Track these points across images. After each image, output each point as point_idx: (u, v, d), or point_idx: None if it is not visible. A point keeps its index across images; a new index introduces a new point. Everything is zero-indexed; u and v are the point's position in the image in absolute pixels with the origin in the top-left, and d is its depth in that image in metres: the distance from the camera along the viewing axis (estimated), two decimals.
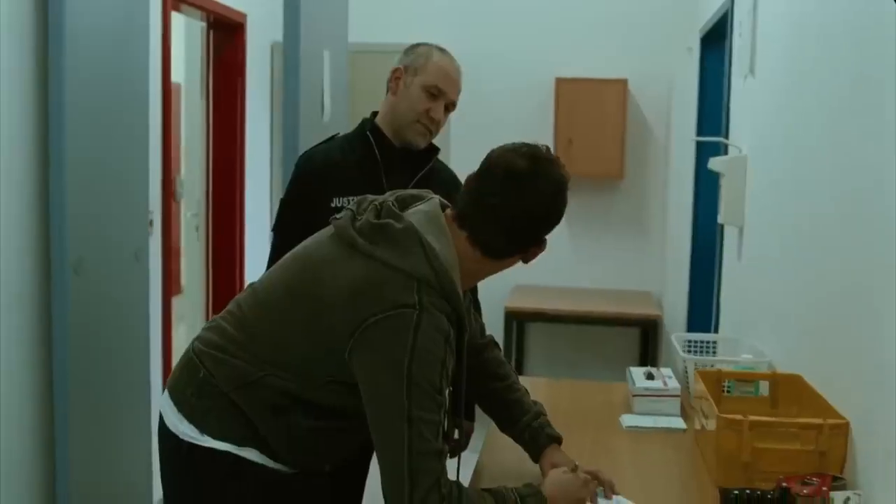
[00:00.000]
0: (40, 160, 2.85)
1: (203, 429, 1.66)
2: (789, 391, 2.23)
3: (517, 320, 5.21)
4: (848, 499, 1.73)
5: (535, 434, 1.95)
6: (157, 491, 3.76)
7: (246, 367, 1.65)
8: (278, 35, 5.07)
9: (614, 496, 1.84)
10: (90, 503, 3.03)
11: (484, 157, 1.72)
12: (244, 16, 4.85)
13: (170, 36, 3.88)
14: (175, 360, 4.05)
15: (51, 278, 2.87)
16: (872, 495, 1.74)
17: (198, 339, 1.75)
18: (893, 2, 1.42)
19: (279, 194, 5.48)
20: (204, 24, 4.84)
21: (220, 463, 1.65)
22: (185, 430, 1.67)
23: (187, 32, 4.97)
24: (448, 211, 1.72)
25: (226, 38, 4.85)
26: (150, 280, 3.53)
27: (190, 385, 1.70)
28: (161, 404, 1.76)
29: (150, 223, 3.61)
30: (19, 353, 2.80)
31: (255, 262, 5.08)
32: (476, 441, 2.28)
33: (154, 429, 3.58)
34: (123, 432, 3.32)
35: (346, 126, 3.65)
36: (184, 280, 5.62)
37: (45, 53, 2.82)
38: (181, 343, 4.73)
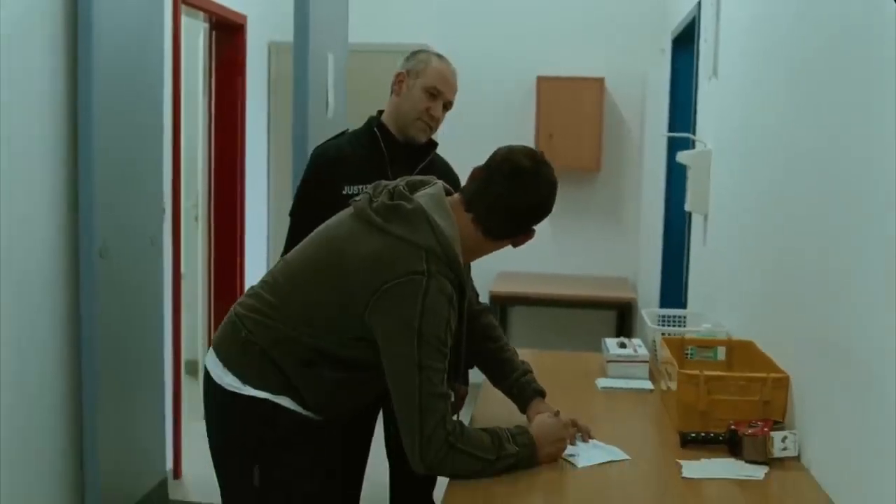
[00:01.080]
0: (70, 155, 3.07)
1: (245, 380, 1.93)
2: (743, 355, 2.51)
3: (501, 305, 5.43)
4: (785, 437, 2.02)
5: (522, 388, 2.24)
6: (169, 461, 4.05)
7: (281, 328, 1.92)
8: (276, 35, 5.32)
9: (590, 439, 2.12)
10: (113, 469, 3.26)
11: (473, 152, 2.01)
12: (244, 17, 5.00)
13: (180, 38, 4.04)
14: (185, 337, 4.31)
15: (79, 262, 3.09)
16: (806, 436, 2.03)
17: (239, 304, 2.03)
18: (894, 2, 1.57)
19: (276, 187, 5.72)
20: (206, 25, 4.98)
21: (259, 408, 1.92)
22: (230, 381, 1.94)
23: (188, 33, 5.10)
24: (456, 196, 2.01)
25: (226, 38, 4.99)
26: (164, 264, 3.79)
27: (234, 343, 1.97)
28: (207, 360, 2.02)
29: (163, 211, 3.85)
30: (50, 332, 3.02)
31: (254, 254, 5.29)
32: (470, 405, 2.52)
33: (167, 401, 3.85)
34: (141, 406, 3.55)
35: (346, 121, 3.90)
36: (183, 267, 5.78)
37: (74, 55, 3.03)
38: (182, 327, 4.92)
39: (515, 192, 1.96)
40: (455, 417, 2.29)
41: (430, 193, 1.97)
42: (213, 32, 5.00)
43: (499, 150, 2.03)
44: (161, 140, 3.69)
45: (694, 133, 3.84)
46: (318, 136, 3.13)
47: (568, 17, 5.71)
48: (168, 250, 3.99)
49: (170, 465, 4.10)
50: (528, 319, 5.88)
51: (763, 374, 2.19)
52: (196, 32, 5.05)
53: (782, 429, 2.06)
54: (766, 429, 2.04)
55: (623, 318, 5.36)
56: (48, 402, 3.04)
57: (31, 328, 2.93)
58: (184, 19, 4.65)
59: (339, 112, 4.00)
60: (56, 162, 3.03)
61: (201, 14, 4.80)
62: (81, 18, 3.01)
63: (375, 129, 2.62)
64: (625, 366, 2.74)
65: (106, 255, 3.17)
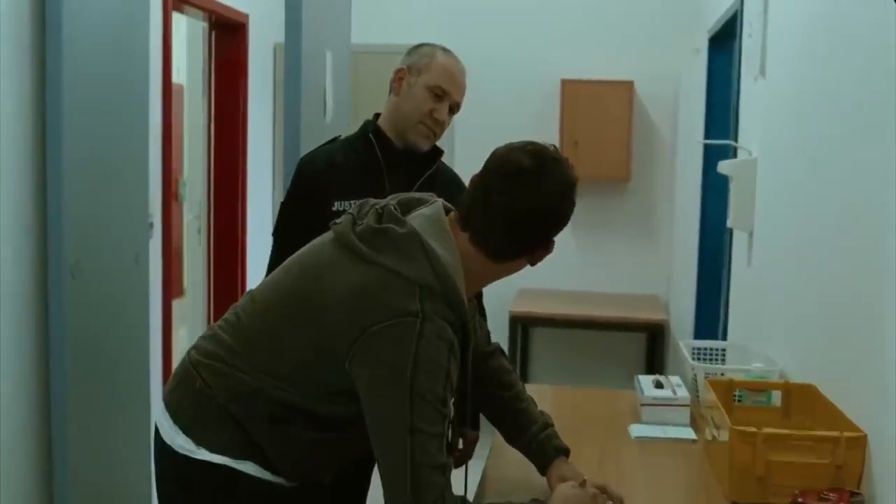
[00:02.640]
0: (37, 161, 2.83)
1: (199, 441, 1.62)
2: (802, 401, 2.19)
3: (522, 325, 5.20)
4: None
5: (542, 446, 1.90)
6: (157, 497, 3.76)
7: (243, 378, 1.61)
8: (281, 35, 5.06)
9: None
10: (90, 500, 3.00)
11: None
12: (246, 16, 4.84)
13: (171, 36, 3.87)
14: (175, 363, 4.04)
15: (48, 282, 2.84)
16: None
17: (194, 348, 1.72)
18: (894, 2, 1.34)
19: (281, 196, 5.44)
20: (206, 25, 4.83)
21: (216, 477, 1.61)
22: (181, 443, 1.64)
23: (189, 33, 4.96)
24: (451, 213, 1.68)
25: (228, 38, 4.84)
26: (149, 283, 3.52)
27: (186, 396, 1.66)
28: (157, 415, 1.72)
29: (151, 225, 3.59)
30: (17, 358, 2.79)
31: (257, 264, 5.05)
32: (482, 450, 2.24)
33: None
34: (122, 436, 3.30)
35: (348, 127, 3.63)
36: (186, 282, 5.60)
37: (42, 53, 2.80)
38: (183, 346, 4.72)
39: (515, 200, 1.61)
40: (464, 468, 1.98)
41: (426, 214, 1.63)
42: (213, 32, 4.85)
43: (496, 149, 1.68)
44: (146, 148, 3.43)
45: (736, 140, 3.56)
46: (315, 141, 2.88)
47: (594, 16, 5.48)
48: (157, 267, 3.72)
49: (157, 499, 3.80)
50: (550, 342, 5.63)
51: (835, 433, 1.85)
52: (196, 32, 4.87)
53: (861, 502, 1.75)
54: (841, 502, 1.71)
55: (654, 341, 5.11)
56: (16, 434, 2.79)
57: None
58: (183, 18, 4.46)
59: (341, 116, 3.76)
60: (23, 172, 2.79)
61: (200, 13, 4.62)
62: (50, 13, 2.78)
63: (371, 134, 2.32)
64: (662, 410, 2.41)
65: (79, 274, 2.91)
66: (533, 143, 1.66)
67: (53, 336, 2.85)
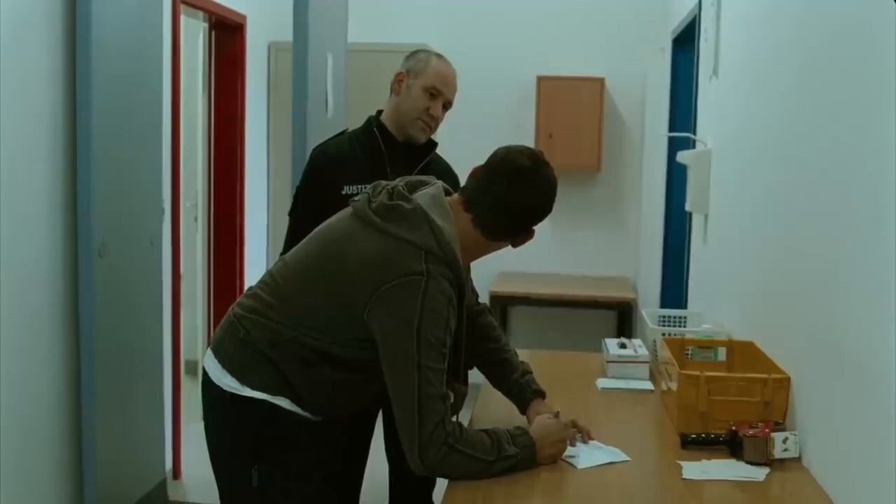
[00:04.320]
0: (68, 152, 3.07)
1: (243, 380, 1.92)
2: (743, 355, 2.50)
3: (502, 304, 5.42)
4: (786, 438, 2.01)
5: (522, 389, 2.23)
6: (169, 461, 4.05)
7: (280, 328, 1.91)
8: (276, 35, 5.31)
9: (591, 440, 2.11)
10: (112, 470, 3.25)
11: (473, 151, 2.01)
12: (244, 17, 5.00)
13: (179, 36, 4.03)
14: (183, 338, 4.30)
15: (78, 261, 3.09)
16: (807, 437, 2.02)
17: (237, 304, 2.02)
18: (894, 1, 1.57)
19: (276, 188, 5.73)
20: (205, 25, 4.98)
21: (257, 409, 1.91)
22: (228, 382, 1.93)
23: (188, 33, 5.10)
24: (456, 196, 2.01)
25: (226, 38, 4.98)
26: (163, 264, 3.78)
27: (232, 344, 1.96)
28: (205, 361, 2.01)
29: (162, 211, 3.84)
30: (49, 332, 3.02)
31: (254, 254, 5.28)
32: (470, 404, 2.46)
33: (167, 401, 3.85)
34: (141, 406, 3.55)
35: (345, 121, 3.90)
36: (182, 267, 5.77)
37: (73, 54, 3.03)
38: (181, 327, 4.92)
39: (516, 193, 1.96)
40: (455, 418, 2.29)
41: (429, 193, 1.97)
42: (213, 32, 5.00)
43: (498, 149, 2.03)
44: (160, 140, 3.68)
45: (694, 133, 3.84)
46: (318, 136, 3.13)
47: (568, 17, 5.71)
48: (167, 250, 3.98)
49: (169, 465, 4.09)
50: (528, 319, 5.87)
51: (764, 375, 2.18)
52: (196, 32, 5.04)
53: (783, 430, 2.06)
54: (766, 430, 2.03)
55: (623, 318, 5.35)
56: (47, 402, 3.03)
57: (31, 328, 2.93)
58: (183, 19, 4.64)
59: (339, 112, 3.99)
60: (55, 162, 3.03)
61: (201, 14, 4.79)
62: (80, 18, 3.01)
63: (375, 128, 2.62)
64: (625, 366, 2.74)
65: (105, 254, 3.17)
66: (528, 148, 2.03)
67: (83, 310, 3.10)
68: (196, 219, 5.31)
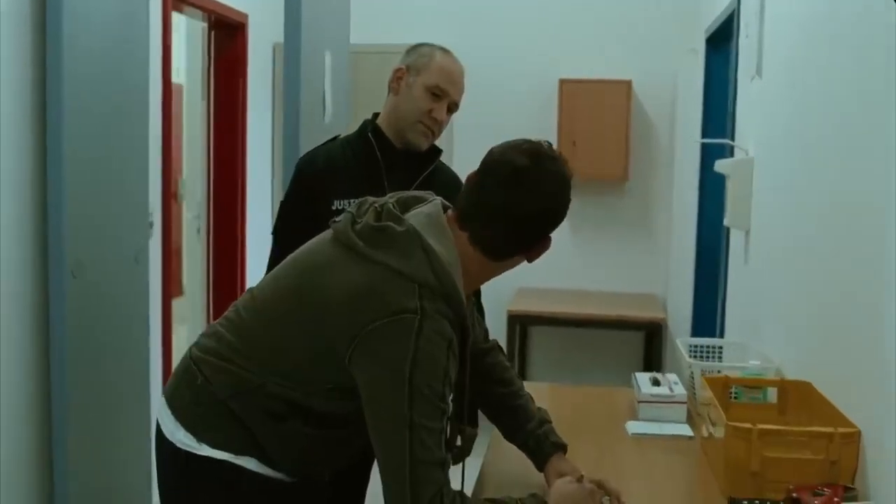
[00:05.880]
0: (38, 161, 2.83)
1: (200, 437, 1.64)
2: (798, 398, 2.20)
3: (520, 324, 5.19)
4: None
5: (539, 442, 1.91)
6: (156, 495, 3.76)
7: (244, 374, 1.62)
8: (280, 35, 5.06)
9: None
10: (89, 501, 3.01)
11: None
12: (245, 16, 4.83)
13: (170, 35, 3.86)
14: (175, 362, 4.03)
15: (48, 281, 2.84)
16: None
17: (195, 345, 1.73)
18: (894, 1, 1.36)
19: (280, 195, 5.45)
20: (205, 25, 4.82)
21: (217, 472, 1.63)
22: (182, 438, 1.65)
23: (188, 33, 4.96)
24: (449, 212, 1.68)
25: (227, 38, 4.83)
26: (149, 282, 3.52)
27: (187, 392, 1.67)
28: (158, 411, 1.73)
29: (150, 225, 3.59)
30: (17, 358, 2.79)
31: (257, 264, 5.05)
32: (480, 446, 2.24)
33: (154, 427, 3.58)
34: (123, 436, 3.30)
35: (347, 127, 3.62)
36: (185, 281, 5.60)
37: (42, 53, 2.80)
38: (182, 345, 4.71)
39: (514, 200, 1.62)
40: (462, 465, 1.98)
41: (424, 212, 1.64)
42: (213, 32, 4.84)
43: (493, 148, 1.69)
44: (146, 147, 3.43)
45: (733, 139, 3.55)
46: (314, 141, 2.88)
47: (592, 16, 5.47)
48: (157, 267, 3.73)
49: (157, 499, 3.81)
50: (549, 340, 5.63)
51: (829, 429, 1.86)
52: (195, 32, 4.86)
53: (855, 498, 1.76)
54: (835, 498, 1.73)
55: (651, 339, 5.10)
56: (16, 434, 2.78)
57: None
58: (182, 18, 4.45)
59: (341, 116, 3.75)
60: (24, 172, 2.79)
61: (199, 13, 4.61)
62: (50, 12, 2.77)
63: (370, 133, 2.32)
64: (659, 407, 2.42)
65: (80, 273, 2.91)
66: (528, 141, 1.67)
67: (54, 335, 2.85)
68: (198, 230, 5.11)
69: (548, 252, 1.73)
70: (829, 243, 2.17)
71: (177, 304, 4.64)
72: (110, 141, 3.14)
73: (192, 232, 5.25)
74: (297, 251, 1.74)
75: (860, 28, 2.03)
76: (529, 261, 1.72)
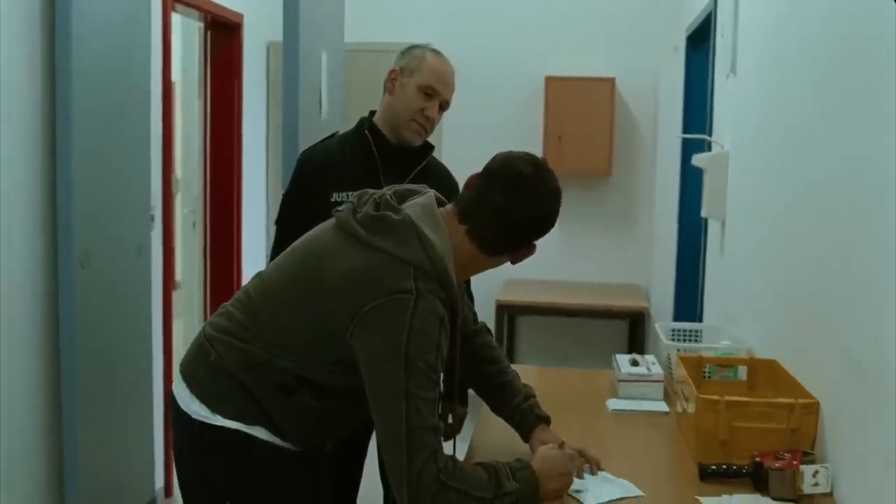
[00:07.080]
0: (48, 156, 2.92)
1: (214, 408, 1.75)
2: (766, 375, 2.33)
3: (508, 313, 5.28)
4: (816, 472, 1.83)
5: (524, 414, 2.04)
6: (160, 479, 3.88)
7: (254, 350, 1.74)
8: (274, 35, 5.14)
9: (600, 472, 1.94)
10: (96, 489, 3.11)
11: (479, 155, 1.85)
12: (241, 16, 4.88)
13: (170, 35, 3.91)
14: (175, 351, 4.14)
15: (58, 271, 2.94)
16: (839, 469, 1.84)
17: (209, 324, 1.85)
18: (893, 1, 1.48)
19: (275, 191, 5.57)
20: (201, 24, 4.86)
21: (229, 441, 1.74)
22: (197, 410, 1.77)
23: (184, 32, 5.00)
24: (450, 206, 1.83)
25: (223, 37, 4.87)
26: (151, 274, 3.62)
27: (202, 367, 1.79)
28: (174, 386, 1.85)
29: (152, 218, 3.69)
30: (28, 344, 2.87)
31: (252, 259, 5.15)
32: (468, 429, 2.35)
33: (157, 417, 3.70)
34: (128, 421, 3.40)
35: (342, 124, 3.73)
36: (180, 276, 5.66)
37: (52, 54, 2.89)
38: (179, 339, 4.79)
39: (515, 203, 1.78)
40: (452, 442, 2.11)
41: (420, 203, 1.78)
42: (209, 32, 4.89)
43: (497, 155, 1.85)
44: (148, 144, 3.53)
45: (710, 134, 3.67)
46: (311, 138, 2.98)
47: (577, 15, 5.56)
48: (158, 259, 3.83)
49: (160, 483, 3.93)
50: (535, 329, 5.73)
51: (790, 400, 2.00)
52: (191, 32, 4.92)
53: (813, 461, 1.88)
54: (794, 462, 1.86)
55: (635, 328, 5.20)
56: (26, 421, 2.87)
57: (8, 340, 2.77)
58: (179, 18, 4.51)
59: (336, 113, 3.84)
60: (34, 166, 2.88)
61: (196, 13, 4.66)
62: (59, 14, 2.86)
63: (367, 131, 2.44)
64: (637, 385, 2.56)
65: (87, 264, 3.01)
66: (529, 154, 1.84)
67: (63, 323, 2.94)
68: (194, 224, 5.18)
69: None
70: (798, 233, 2.27)
71: (173, 297, 4.70)
72: (114, 138, 3.23)
73: (188, 227, 5.31)
74: (302, 238, 1.86)
75: (827, 29, 2.12)
76: (513, 262, 1.87)
